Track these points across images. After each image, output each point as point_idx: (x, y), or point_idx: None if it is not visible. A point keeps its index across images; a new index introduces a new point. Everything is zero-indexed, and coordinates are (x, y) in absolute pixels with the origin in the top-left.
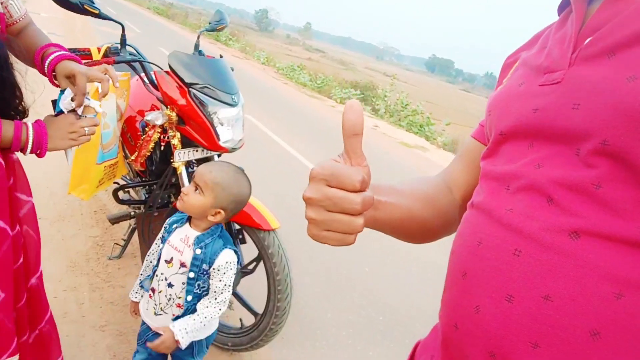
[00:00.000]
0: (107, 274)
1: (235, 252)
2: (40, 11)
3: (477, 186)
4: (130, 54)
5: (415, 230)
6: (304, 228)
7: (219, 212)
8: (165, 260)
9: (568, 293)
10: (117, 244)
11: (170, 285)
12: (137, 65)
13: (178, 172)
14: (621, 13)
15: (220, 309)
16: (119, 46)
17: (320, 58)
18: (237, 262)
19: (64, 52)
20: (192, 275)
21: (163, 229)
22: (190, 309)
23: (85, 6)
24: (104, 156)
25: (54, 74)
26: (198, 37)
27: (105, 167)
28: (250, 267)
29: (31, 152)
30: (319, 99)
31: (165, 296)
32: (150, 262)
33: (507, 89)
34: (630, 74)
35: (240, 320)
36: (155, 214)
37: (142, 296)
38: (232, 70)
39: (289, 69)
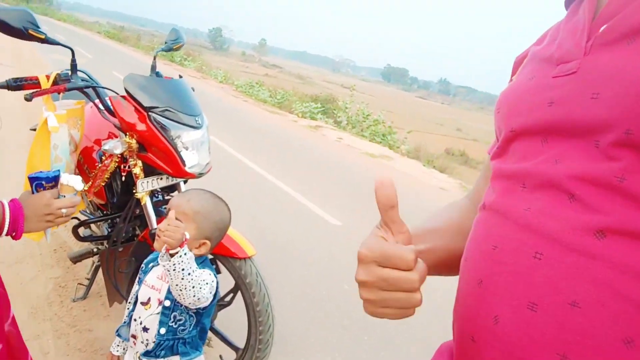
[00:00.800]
0: (73, 318)
1: (215, 277)
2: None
3: (487, 188)
4: (82, 80)
5: (457, 264)
6: (276, 248)
7: (204, 243)
8: (142, 303)
9: (597, 298)
10: (80, 284)
11: (145, 329)
12: (90, 91)
13: (142, 203)
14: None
15: (198, 284)
16: (69, 72)
17: (278, 73)
18: (216, 288)
19: None
20: (167, 303)
21: (140, 270)
22: (162, 345)
23: (29, 31)
24: None
25: None
26: (154, 58)
27: None
28: (227, 299)
29: (7, 235)
30: (280, 114)
31: (142, 342)
32: (127, 307)
33: (517, 84)
34: None
35: (220, 357)
36: (120, 249)
37: (124, 349)
38: (193, 90)
39: (248, 86)
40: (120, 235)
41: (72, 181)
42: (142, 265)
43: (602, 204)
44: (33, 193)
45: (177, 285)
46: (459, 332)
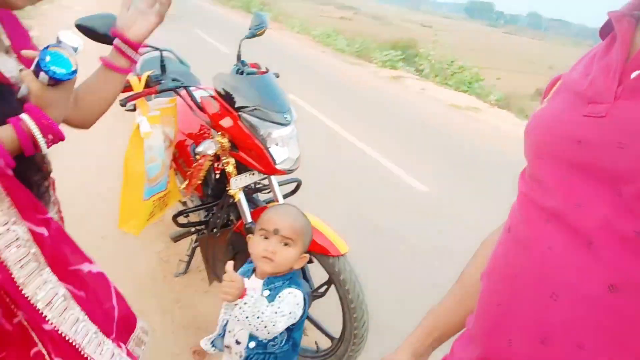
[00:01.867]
0: (176, 293)
1: (304, 296)
2: (74, 5)
3: (513, 205)
4: (172, 79)
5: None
6: (356, 219)
7: (304, 257)
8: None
9: (603, 345)
10: (181, 260)
11: (237, 342)
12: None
13: (235, 199)
14: None
15: (274, 321)
16: (159, 73)
17: (353, 16)
18: (304, 305)
19: None
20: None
21: None
22: (252, 358)
23: None
24: (152, 190)
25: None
26: (239, 47)
27: (153, 201)
28: (321, 290)
29: (48, 143)
30: (359, 64)
31: (236, 353)
32: (223, 318)
33: (549, 113)
34: None
35: (316, 343)
36: (217, 235)
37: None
38: (278, 76)
39: (325, 35)
40: (216, 223)
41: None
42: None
43: (618, 258)
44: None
45: (247, 325)
46: (474, 347)
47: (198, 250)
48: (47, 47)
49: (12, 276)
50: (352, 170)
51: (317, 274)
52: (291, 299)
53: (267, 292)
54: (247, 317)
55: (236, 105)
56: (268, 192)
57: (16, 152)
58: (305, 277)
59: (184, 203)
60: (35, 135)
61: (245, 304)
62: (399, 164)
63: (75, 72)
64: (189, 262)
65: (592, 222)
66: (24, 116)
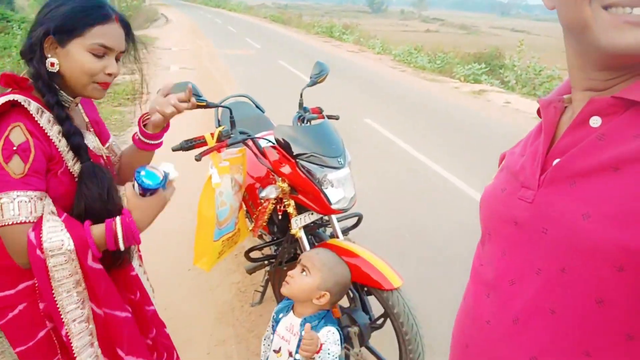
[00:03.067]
0: (251, 323)
1: (339, 331)
2: (171, 46)
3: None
4: (240, 132)
5: None
6: (434, 253)
7: (324, 295)
8: (274, 350)
9: None
10: (257, 290)
11: None
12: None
13: (297, 237)
14: (582, 140)
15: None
16: (229, 128)
17: (440, 27)
18: (340, 341)
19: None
20: (298, 357)
21: (272, 317)
22: None
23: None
24: (221, 232)
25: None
26: (301, 95)
27: (222, 241)
28: (379, 322)
29: (126, 246)
30: (440, 81)
31: None
32: (264, 351)
33: (493, 191)
34: (586, 210)
35: None
36: (285, 268)
37: None
38: (338, 118)
39: (406, 53)
40: (284, 257)
41: (169, 169)
42: (274, 314)
43: (537, 334)
44: (139, 195)
45: None
46: None
47: None
48: (145, 166)
49: (71, 344)
50: (425, 194)
51: (376, 305)
52: (332, 339)
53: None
54: None
55: (294, 153)
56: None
57: (102, 248)
58: (365, 309)
59: (260, 236)
60: (118, 238)
61: (320, 358)
62: (479, 188)
63: (159, 185)
64: (263, 293)
65: (520, 300)
66: (117, 220)
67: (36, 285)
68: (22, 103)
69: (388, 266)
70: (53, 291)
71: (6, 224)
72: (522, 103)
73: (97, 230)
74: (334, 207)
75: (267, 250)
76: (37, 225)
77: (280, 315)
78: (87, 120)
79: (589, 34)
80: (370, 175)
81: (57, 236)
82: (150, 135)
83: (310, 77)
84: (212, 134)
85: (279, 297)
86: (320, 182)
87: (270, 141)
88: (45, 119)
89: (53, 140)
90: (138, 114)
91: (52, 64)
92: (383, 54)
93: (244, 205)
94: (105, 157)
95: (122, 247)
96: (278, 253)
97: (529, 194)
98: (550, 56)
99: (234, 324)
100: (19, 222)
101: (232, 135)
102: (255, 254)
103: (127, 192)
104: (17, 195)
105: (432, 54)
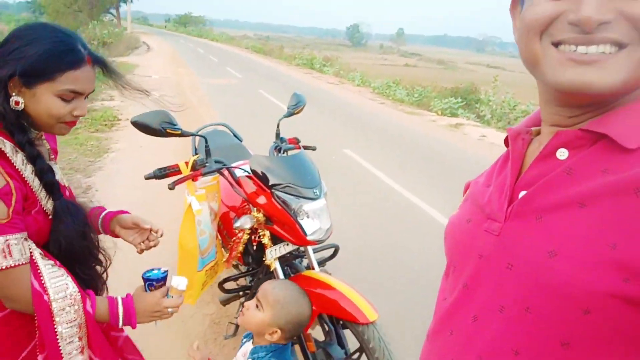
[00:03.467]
0: (224, 356)
1: None
2: (151, 74)
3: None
4: (216, 162)
5: None
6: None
7: (276, 332)
8: None
9: None
10: (231, 322)
11: None
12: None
13: (272, 269)
14: (549, 173)
15: None
16: (204, 157)
17: (418, 62)
18: None
19: (111, 211)
20: None
21: (241, 340)
22: None
23: (167, 130)
24: (204, 261)
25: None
26: (278, 126)
27: (206, 271)
28: (355, 357)
29: (122, 326)
30: (418, 114)
31: None
32: None
33: (458, 222)
34: (552, 247)
35: None
36: None
37: None
38: (314, 149)
39: (385, 86)
40: (258, 288)
41: (178, 284)
42: (243, 337)
43: None
44: (145, 291)
45: None
46: None
47: None
48: (153, 269)
49: None
50: (404, 226)
51: (352, 339)
52: None
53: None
54: None
55: (270, 184)
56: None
57: (101, 322)
58: (340, 343)
59: (236, 266)
60: (119, 319)
61: None
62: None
63: (161, 279)
64: (237, 326)
65: (483, 338)
66: (120, 304)
67: (36, 332)
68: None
69: (364, 299)
70: (57, 336)
71: (1, 268)
72: (497, 137)
73: (100, 303)
74: (309, 238)
75: (242, 281)
76: (35, 273)
77: (244, 340)
78: (48, 147)
79: (538, 69)
80: (348, 204)
81: (60, 281)
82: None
83: (288, 108)
84: (186, 163)
85: None
86: (295, 213)
87: (245, 170)
88: (19, 159)
89: (28, 181)
90: (116, 141)
91: (17, 103)
92: (362, 86)
93: (219, 236)
94: (68, 187)
95: (120, 325)
96: (253, 284)
97: (495, 226)
98: (524, 91)
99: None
100: (11, 265)
101: (207, 164)
102: (229, 285)
103: (137, 290)
104: (6, 239)
105: (410, 88)
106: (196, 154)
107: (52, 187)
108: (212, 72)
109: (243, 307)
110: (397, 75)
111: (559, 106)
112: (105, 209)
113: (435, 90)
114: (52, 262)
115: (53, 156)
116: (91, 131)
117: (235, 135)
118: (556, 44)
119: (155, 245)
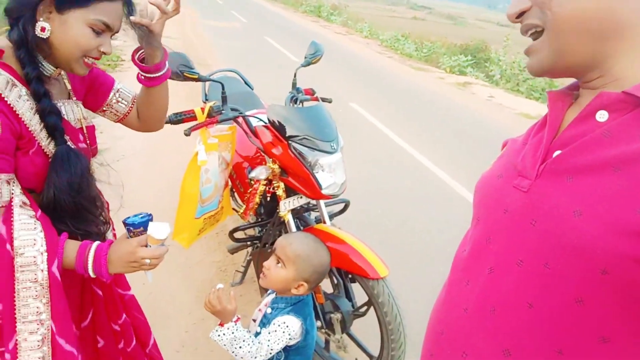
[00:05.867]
0: None
1: (303, 323)
2: (150, 10)
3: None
4: (232, 109)
5: None
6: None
7: (302, 285)
8: (253, 320)
9: None
10: (237, 270)
11: None
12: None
13: (285, 221)
14: (587, 134)
15: (254, 356)
16: (220, 104)
17: (426, 15)
18: (306, 333)
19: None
20: (258, 330)
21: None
22: None
23: (185, 74)
24: (203, 210)
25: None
26: (295, 75)
27: (204, 219)
28: (362, 310)
29: (94, 276)
30: (426, 70)
31: None
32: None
33: (489, 177)
34: (578, 207)
35: (356, 359)
36: (269, 250)
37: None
38: (331, 101)
39: (393, 39)
40: (268, 240)
41: (157, 232)
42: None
43: (512, 328)
44: (128, 237)
45: (229, 351)
46: None
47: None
48: (139, 213)
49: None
50: (408, 183)
51: (360, 292)
52: (281, 334)
53: (269, 310)
54: (224, 345)
55: (286, 135)
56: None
57: (68, 267)
58: (348, 296)
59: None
60: (88, 266)
61: (220, 334)
62: (459, 180)
63: (141, 225)
64: (244, 273)
65: (499, 289)
66: (92, 251)
67: None
68: None
69: (375, 255)
70: (15, 294)
71: None
72: (505, 98)
73: (70, 246)
74: (324, 192)
75: (251, 231)
76: (7, 218)
77: (268, 291)
78: (69, 87)
79: None
80: (352, 159)
81: (29, 234)
82: (151, 69)
83: (305, 57)
84: (202, 109)
85: None
86: (311, 166)
87: (261, 120)
88: (15, 94)
89: (23, 119)
90: (120, 80)
91: (43, 29)
92: (370, 38)
93: (229, 183)
94: (85, 128)
95: (91, 275)
96: (263, 235)
97: (525, 183)
98: None
99: None
100: None
101: (223, 112)
102: (238, 235)
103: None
104: None
105: (418, 42)
106: (206, 99)
107: (55, 130)
108: (217, 14)
109: (263, 267)
110: (406, 28)
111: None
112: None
113: (444, 47)
114: (32, 212)
115: (74, 95)
116: None
117: (246, 83)
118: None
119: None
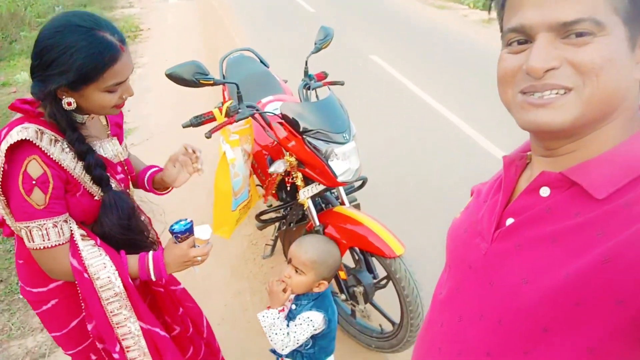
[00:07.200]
0: (263, 275)
1: (325, 315)
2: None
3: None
4: (248, 106)
5: None
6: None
7: (322, 283)
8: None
9: None
10: (267, 244)
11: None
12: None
13: (305, 207)
14: (533, 207)
15: (285, 346)
16: (236, 104)
17: None
18: (329, 323)
19: (159, 167)
20: (285, 322)
21: None
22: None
23: (200, 81)
24: (237, 202)
25: (159, 178)
26: (306, 63)
27: (239, 209)
28: (383, 282)
29: (155, 279)
30: (449, 8)
31: None
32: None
33: (458, 229)
34: (525, 276)
35: (380, 325)
36: (294, 228)
37: None
38: (343, 84)
39: None
40: (292, 219)
41: (203, 234)
42: None
43: None
44: (175, 243)
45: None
46: None
47: None
48: (180, 220)
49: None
50: (433, 140)
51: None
52: (306, 327)
53: (294, 306)
54: (265, 326)
55: (300, 130)
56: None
57: (134, 277)
58: (370, 268)
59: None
60: (150, 275)
61: (267, 316)
62: (485, 134)
63: (186, 231)
64: (273, 247)
65: (464, 337)
66: (150, 260)
67: (79, 292)
68: (32, 140)
69: (391, 234)
70: (104, 309)
71: (37, 248)
72: None
73: (131, 260)
74: (339, 179)
75: (275, 213)
76: (74, 252)
77: None
78: (104, 123)
79: (511, 112)
80: (373, 117)
81: (98, 260)
82: (159, 193)
83: (315, 43)
84: (219, 109)
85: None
86: (326, 157)
87: (274, 114)
88: (58, 149)
89: (67, 170)
90: (141, 55)
91: (70, 104)
92: None
93: (252, 172)
94: (124, 161)
95: (153, 278)
96: (287, 214)
97: (483, 245)
98: None
99: (248, 276)
100: (49, 246)
101: (239, 111)
102: (265, 216)
103: (168, 243)
104: (44, 223)
105: None
106: (224, 78)
107: (101, 180)
108: None
109: (284, 278)
110: None
111: (536, 140)
112: (151, 169)
113: None
114: (92, 242)
115: (109, 131)
116: None
117: (261, 61)
118: (522, 92)
119: (199, 170)
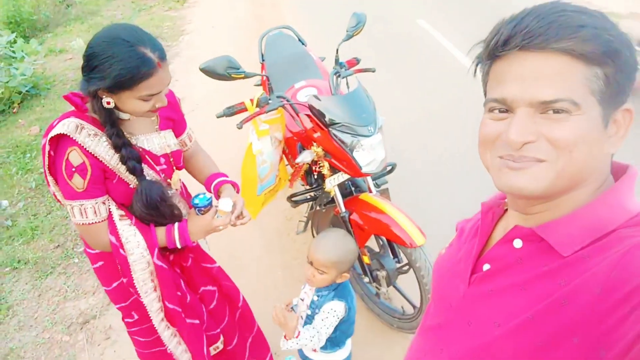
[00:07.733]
0: (296, 251)
1: (346, 303)
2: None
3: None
4: (277, 97)
5: None
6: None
7: (344, 275)
8: (301, 299)
9: None
10: (300, 220)
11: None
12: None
13: (332, 195)
14: (507, 256)
15: (311, 340)
16: (266, 96)
17: None
18: (348, 310)
19: (225, 178)
20: (309, 312)
21: None
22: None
23: (232, 75)
24: (263, 187)
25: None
26: (337, 51)
27: (265, 194)
28: (405, 268)
29: (181, 246)
30: None
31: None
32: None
33: (442, 267)
34: (497, 319)
35: (402, 307)
36: (324, 210)
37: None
38: (374, 71)
39: None
40: (322, 201)
41: (225, 206)
42: None
43: None
44: (197, 214)
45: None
46: None
47: None
48: (200, 194)
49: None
50: (473, 115)
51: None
52: (331, 319)
53: (316, 297)
54: (305, 345)
55: (327, 122)
56: None
57: (162, 245)
58: (393, 253)
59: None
60: (175, 240)
61: (290, 345)
62: None
63: (208, 205)
64: (306, 223)
65: None
66: (176, 229)
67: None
68: (70, 135)
69: (413, 224)
70: (134, 280)
71: (80, 223)
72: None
73: (160, 232)
74: (364, 170)
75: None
76: (113, 229)
77: None
78: (156, 119)
79: (489, 172)
80: (415, 88)
81: (134, 238)
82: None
83: (347, 31)
84: (251, 100)
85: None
86: (351, 149)
87: (306, 99)
88: (95, 142)
89: (103, 161)
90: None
91: (109, 103)
92: None
93: (284, 157)
94: (170, 154)
95: (178, 246)
96: (318, 194)
97: (462, 288)
98: None
99: (281, 251)
100: (87, 223)
101: (270, 102)
102: (296, 198)
103: (191, 213)
104: (83, 203)
105: None
106: (262, 59)
107: (134, 171)
108: None
109: (308, 277)
110: None
111: (512, 198)
112: (217, 179)
113: None
114: (129, 221)
115: (157, 126)
116: (165, 9)
117: (299, 40)
118: (500, 157)
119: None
